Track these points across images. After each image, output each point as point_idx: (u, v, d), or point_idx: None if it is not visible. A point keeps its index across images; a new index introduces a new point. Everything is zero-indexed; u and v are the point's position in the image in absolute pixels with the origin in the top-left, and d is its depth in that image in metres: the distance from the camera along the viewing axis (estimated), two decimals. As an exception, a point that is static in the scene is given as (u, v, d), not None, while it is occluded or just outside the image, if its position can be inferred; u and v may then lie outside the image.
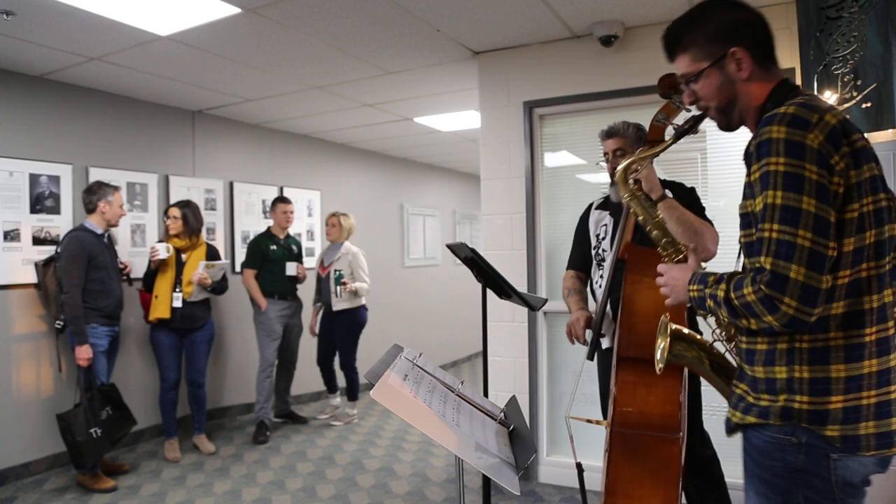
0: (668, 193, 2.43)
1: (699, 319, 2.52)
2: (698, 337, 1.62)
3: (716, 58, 1.46)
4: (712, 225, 2.46)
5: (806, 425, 1.31)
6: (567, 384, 3.88)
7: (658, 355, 1.61)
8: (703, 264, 1.67)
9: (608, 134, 2.70)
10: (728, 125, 1.55)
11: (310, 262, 5.88)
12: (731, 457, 2.94)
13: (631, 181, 1.80)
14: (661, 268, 1.62)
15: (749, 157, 1.36)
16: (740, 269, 1.50)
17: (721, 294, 1.34)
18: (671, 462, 2.13)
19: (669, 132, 2.43)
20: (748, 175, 1.35)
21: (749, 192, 1.35)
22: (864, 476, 1.33)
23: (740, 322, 1.34)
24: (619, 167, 1.81)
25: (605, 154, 2.73)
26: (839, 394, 1.30)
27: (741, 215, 1.40)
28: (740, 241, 1.44)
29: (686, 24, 1.52)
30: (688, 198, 2.55)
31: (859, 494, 1.34)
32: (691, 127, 1.65)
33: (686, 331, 1.60)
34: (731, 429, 1.48)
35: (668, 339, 1.56)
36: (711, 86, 1.49)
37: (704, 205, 2.65)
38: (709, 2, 1.53)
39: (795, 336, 1.33)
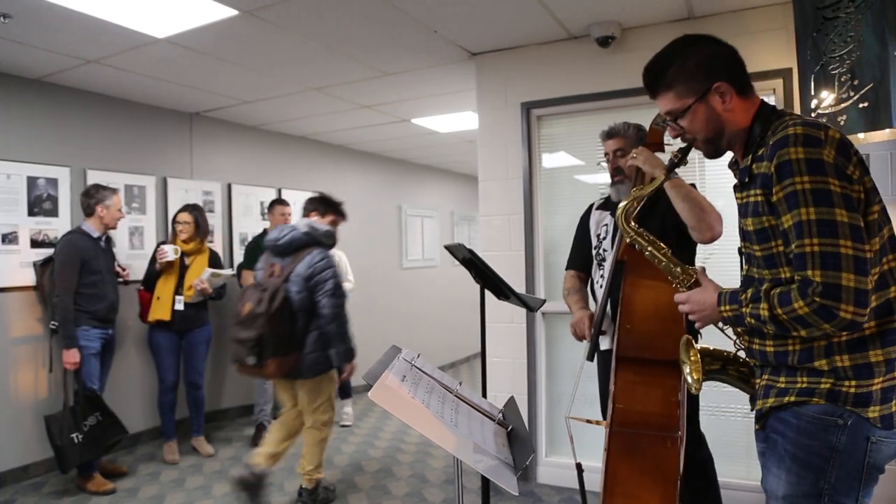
0: (676, 173, 2.42)
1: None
2: (724, 351, 1.64)
3: (700, 93, 1.53)
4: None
5: (851, 408, 1.38)
6: (565, 384, 3.88)
7: (691, 378, 1.62)
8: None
9: (609, 134, 2.71)
10: (716, 152, 1.61)
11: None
12: (726, 458, 2.95)
13: (633, 223, 1.83)
14: (680, 297, 1.65)
15: (764, 178, 1.42)
16: (746, 279, 1.56)
17: (765, 313, 1.40)
18: (670, 461, 2.13)
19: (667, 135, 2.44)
20: (761, 195, 1.43)
21: (763, 209, 1.43)
22: (887, 461, 1.42)
23: (790, 334, 1.41)
24: (619, 211, 1.83)
25: (606, 154, 2.73)
26: (880, 376, 1.38)
27: (756, 231, 1.47)
28: (752, 254, 1.51)
29: (667, 62, 1.57)
30: None
31: (876, 479, 1.42)
32: (680, 160, 1.72)
33: (711, 347, 1.63)
34: (762, 414, 1.52)
35: (699, 359, 1.59)
36: (699, 120, 1.55)
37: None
38: (684, 39, 1.59)
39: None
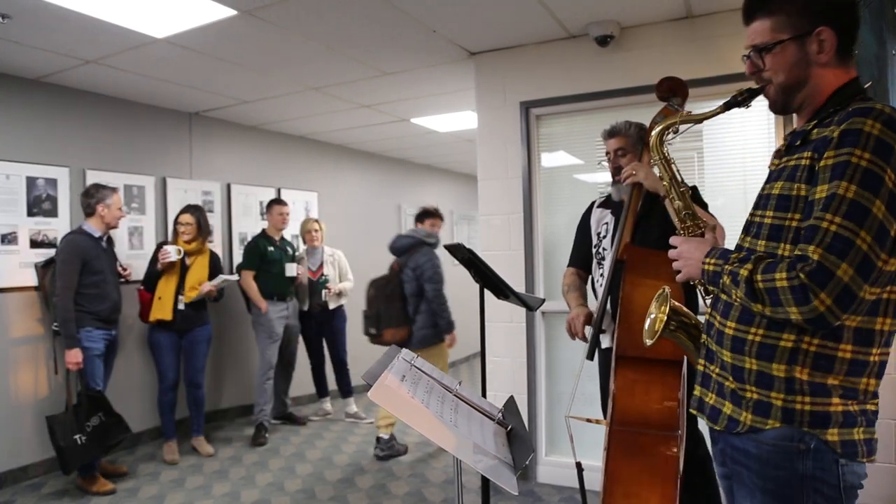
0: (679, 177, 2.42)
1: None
2: (695, 317, 1.58)
3: (800, 32, 1.35)
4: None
5: (808, 429, 1.27)
6: (565, 384, 3.88)
7: (648, 325, 1.57)
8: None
9: (610, 133, 2.70)
10: (784, 106, 1.44)
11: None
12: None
13: (666, 149, 1.69)
14: (675, 240, 1.55)
15: (823, 141, 1.27)
16: (736, 249, 1.46)
17: (744, 273, 1.28)
18: (670, 460, 2.13)
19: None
20: (808, 159, 1.28)
21: (801, 175, 1.29)
22: (863, 478, 1.32)
23: (754, 306, 1.29)
24: (655, 131, 1.70)
25: (607, 153, 2.73)
26: (837, 396, 1.27)
27: (779, 195, 1.33)
28: (757, 221, 1.39)
29: None
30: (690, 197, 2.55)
31: (856, 497, 1.33)
32: (744, 100, 1.52)
33: (684, 309, 1.57)
34: (716, 415, 1.41)
35: (666, 314, 1.51)
36: (785, 60, 1.38)
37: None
38: None
39: (804, 337, 1.28)
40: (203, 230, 4.47)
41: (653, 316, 1.57)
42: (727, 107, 1.54)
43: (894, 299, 1.28)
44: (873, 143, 1.19)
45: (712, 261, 1.38)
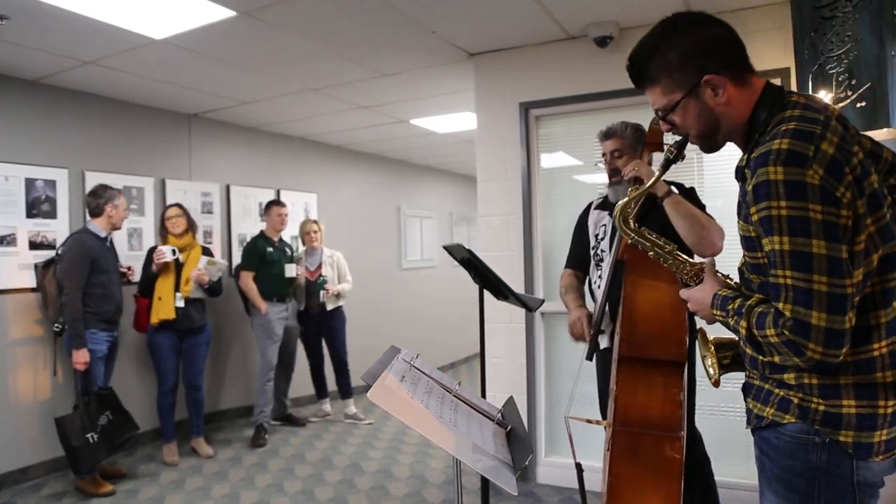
0: (674, 189, 2.43)
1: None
2: (736, 342, 1.56)
3: (689, 87, 1.38)
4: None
5: (820, 427, 1.28)
6: (565, 385, 3.88)
7: (712, 370, 1.57)
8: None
9: (606, 135, 2.70)
10: (712, 148, 1.49)
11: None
12: (723, 457, 2.95)
13: (632, 223, 1.71)
14: (683, 294, 1.57)
15: (744, 181, 1.29)
16: (740, 272, 1.47)
17: (743, 332, 1.33)
18: (672, 461, 2.13)
19: (668, 135, 2.44)
20: (746, 202, 1.30)
21: (747, 213, 1.31)
22: (882, 477, 1.33)
23: (767, 357, 1.34)
24: (616, 214, 1.72)
25: (604, 155, 2.73)
26: (850, 398, 1.27)
27: (743, 236, 1.36)
28: (744, 259, 1.40)
29: (649, 54, 1.42)
30: (688, 197, 2.56)
31: (876, 494, 1.33)
32: (676, 156, 1.59)
33: (725, 339, 1.57)
34: (751, 418, 1.44)
35: (714, 353, 1.53)
36: (690, 115, 1.42)
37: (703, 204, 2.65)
38: (668, 22, 1.41)
39: None
40: (190, 221, 4.50)
41: (710, 361, 1.57)
42: (665, 167, 1.61)
43: (879, 290, 1.28)
44: (783, 189, 1.20)
45: (718, 312, 1.43)
